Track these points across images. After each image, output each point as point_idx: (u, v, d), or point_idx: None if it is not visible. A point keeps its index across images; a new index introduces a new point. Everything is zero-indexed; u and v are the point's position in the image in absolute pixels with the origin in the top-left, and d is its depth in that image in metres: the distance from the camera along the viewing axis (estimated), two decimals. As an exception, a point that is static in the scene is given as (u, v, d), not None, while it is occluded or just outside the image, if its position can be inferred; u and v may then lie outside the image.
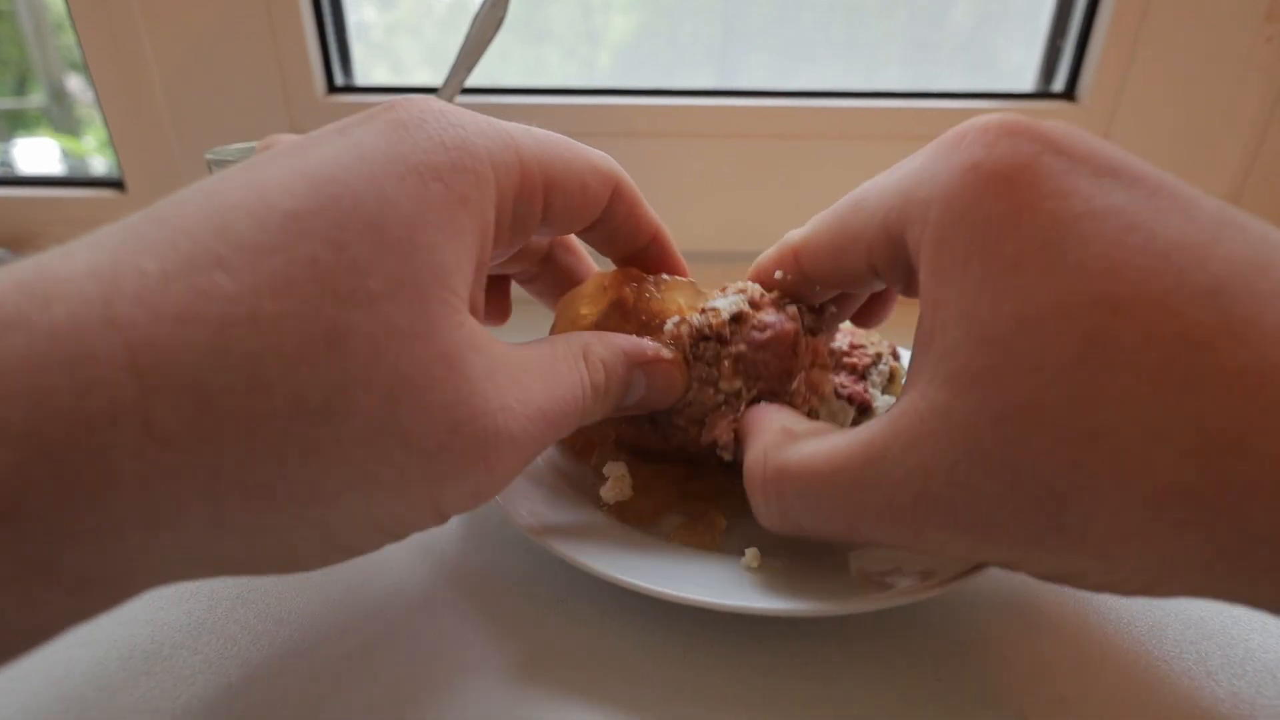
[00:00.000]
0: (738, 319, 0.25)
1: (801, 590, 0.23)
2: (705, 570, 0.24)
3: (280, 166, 0.16)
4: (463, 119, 0.18)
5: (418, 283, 0.16)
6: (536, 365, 0.20)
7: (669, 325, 0.25)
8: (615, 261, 0.28)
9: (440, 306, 0.16)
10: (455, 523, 0.30)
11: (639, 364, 0.23)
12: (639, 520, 0.27)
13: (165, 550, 0.14)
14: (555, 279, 0.30)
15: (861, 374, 0.33)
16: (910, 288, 0.22)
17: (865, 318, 0.29)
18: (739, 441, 0.24)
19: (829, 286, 0.25)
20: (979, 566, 0.23)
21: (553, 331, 0.28)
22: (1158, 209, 0.16)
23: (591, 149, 0.23)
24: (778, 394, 0.25)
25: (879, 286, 0.24)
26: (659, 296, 0.26)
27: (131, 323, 0.12)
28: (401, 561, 0.27)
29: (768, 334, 0.25)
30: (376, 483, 0.15)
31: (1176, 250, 0.15)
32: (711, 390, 0.25)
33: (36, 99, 0.69)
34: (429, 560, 0.28)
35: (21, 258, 0.13)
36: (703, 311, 0.25)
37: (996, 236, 0.16)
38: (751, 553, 0.25)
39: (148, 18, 0.50)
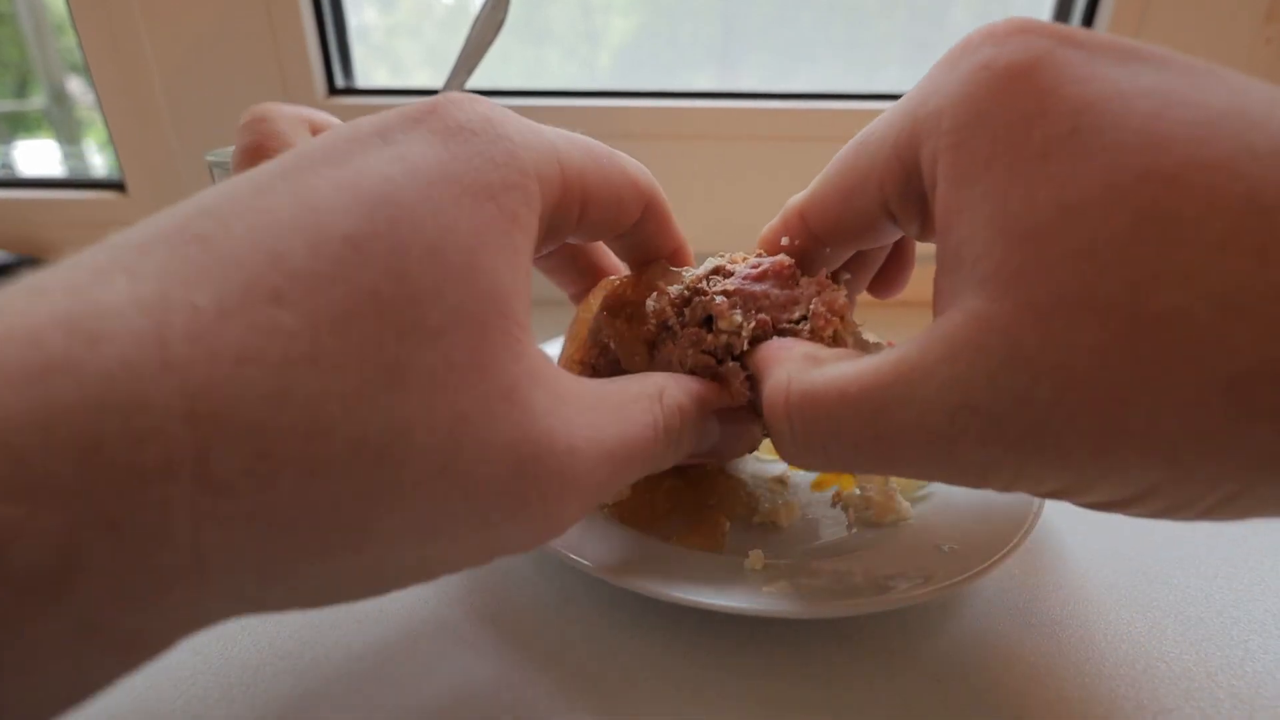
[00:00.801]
0: (716, 270, 0.24)
1: (802, 591, 0.23)
2: (707, 572, 0.24)
3: (327, 180, 0.15)
4: (508, 128, 0.18)
5: (478, 314, 0.15)
6: (607, 403, 0.19)
7: (649, 304, 0.24)
8: (630, 267, 0.27)
9: (501, 336, 0.15)
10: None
11: (714, 412, 0.22)
12: (639, 523, 0.27)
13: (211, 602, 0.13)
14: (574, 269, 0.28)
15: None
16: (927, 226, 0.20)
17: (882, 285, 0.27)
18: (755, 382, 0.22)
19: (841, 243, 0.24)
20: (979, 568, 0.23)
21: (572, 325, 0.28)
22: (1196, 83, 0.14)
23: (630, 160, 0.22)
24: (785, 329, 0.23)
25: (894, 234, 0.23)
26: (645, 280, 0.25)
27: (189, 364, 0.12)
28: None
29: (762, 266, 0.24)
30: (433, 529, 0.15)
31: (1228, 117, 0.14)
32: (710, 337, 0.23)
33: (37, 101, 0.69)
34: (429, 561, 0.28)
35: (28, 261, 0.12)
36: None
37: (1021, 128, 0.15)
38: (755, 554, 0.25)
39: (148, 20, 0.50)
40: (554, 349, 0.39)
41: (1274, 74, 0.53)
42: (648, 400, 0.20)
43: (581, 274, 0.28)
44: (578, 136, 0.20)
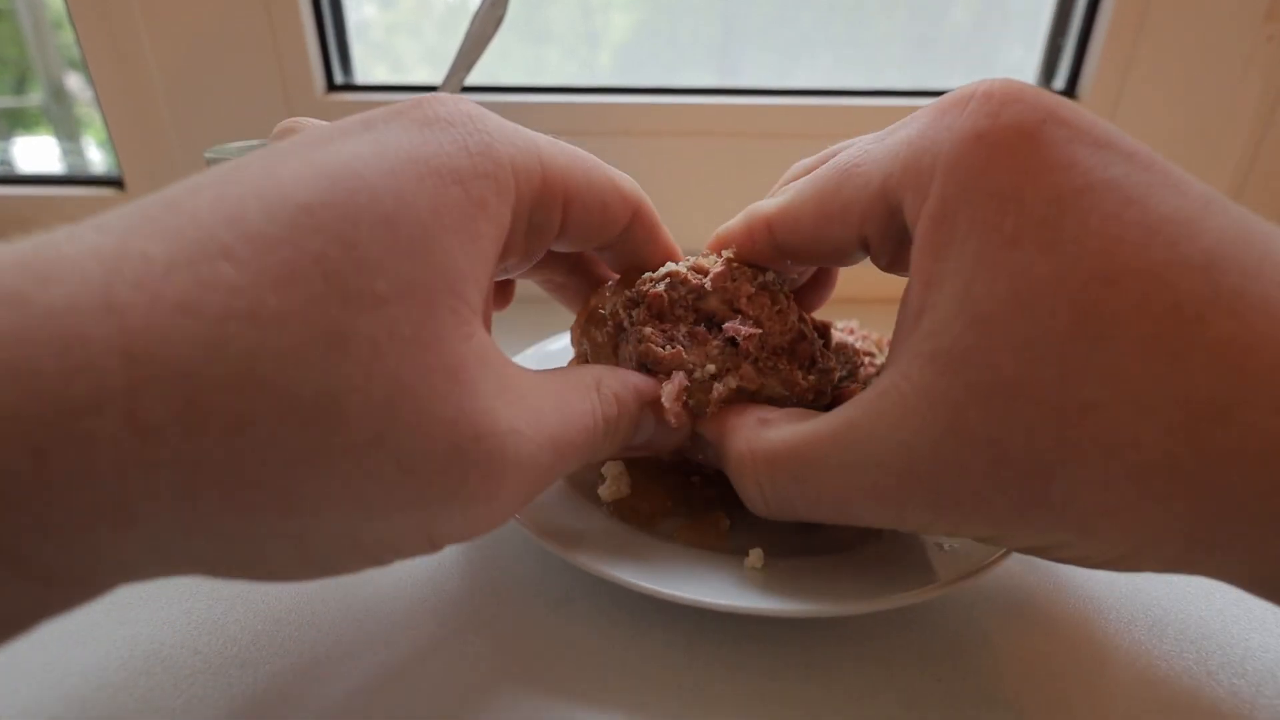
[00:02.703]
0: (671, 275, 0.25)
1: (803, 591, 0.23)
2: (707, 570, 0.24)
3: (300, 158, 0.15)
4: (489, 124, 0.18)
5: (427, 288, 0.15)
6: (549, 390, 0.19)
7: (605, 308, 0.25)
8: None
9: (449, 315, 0.16)
10: (455, 522, 0.30)
11: (650, 402, 0.23)
12: (639, 521, 0.27)
13: (134, 547, 0.13)
14: (583, 288, 0.29)
15: (864, 382, 0.33)
16: (896, 262, 0.21)
17: (806, 298, 0.28)
18: (718, 447, 0.24)
19: (805, 260, 0.24)
20: (979, 569, 0.23)
21: (573, 327, 0.28)
22: (1152, 183, 0.16)
23: (617, 171, 0.23)
24: (707, 311, 0.24)
25: (859, 259, 0.23)
26: (619, 288, 0.26)
27: (129, 308, 0.12)
28: (401, 562, 0.27)
29: (715, 269, 0.25)
30: (362, 501, 0.15)
31: (1170, 223, 0.15)
32: (679, 327, 0.24)
33: (36, 98, 0.69)
34: (429, 560, 0.28)
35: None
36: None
37: (997, 212, 0.16)
38: (755, 553, 0.25)
39: (147, 16, 0.50)
40: (557, 343, 0.39)
41: (1274, 73, 0.53)
42: (585, 389, 0.21)
43: (572, 289, 0.29)
44: (564, 143, 0.21)
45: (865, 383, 0.31)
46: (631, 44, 0.61)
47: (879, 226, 0.20)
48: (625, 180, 0.23)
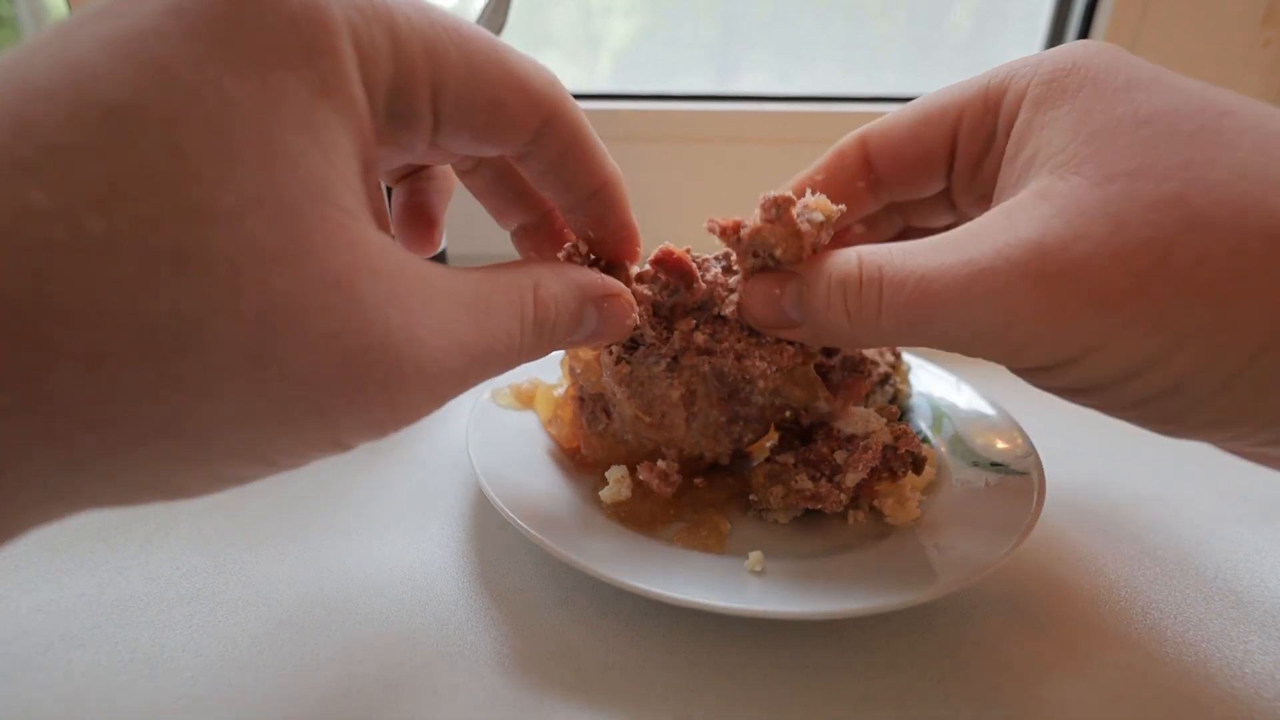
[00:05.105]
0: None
1: (802, 593, 0.23)
2: (707, 572, 0.24)
3: (91, 38, 0.13)
4: None
5: (284, 196, 0.14)
6: (466, 294, 0.18)
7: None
8: (561, 211, 0.24)
9: (320, 222, 0.14)
10: (455, 523, 0.30)
11: (591, 299, 0.22)
12: (640, 524, 0.27)
13: (21, 491, 0.13)
14: (504, 189, 0.25)
15: (869, 392, 0.33)
16: (974, 180, 0.24)
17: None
18: (819, 282, 0.22)
19: (889, 178, 0.25)
20: (979, 569, 0.23)
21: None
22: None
23: (531, 63, 0.20)
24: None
25: (936, 186, 0.25)
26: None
27: None
28: (401, 563, 0.28)
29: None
30: (254, 418, 0.14)
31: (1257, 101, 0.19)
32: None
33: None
34: (429, 561, 0.28)
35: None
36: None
37: (1109, 71, 0.19)
38: (755, 556, 0.25)
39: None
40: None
41: (1271, 76, 0.53)
42: (518, 290, 0.19)
43: (512, 201, 0.25)
44: (446, 14, 0.18)
45: (866, 374, 0.31)
46: (632, 49, 0.62)
47: (973, 122, 0.22)
48: (536, 75, 0.20)
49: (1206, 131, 0.17)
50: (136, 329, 0.12)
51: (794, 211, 0.22)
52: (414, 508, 0.31)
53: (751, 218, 0.23)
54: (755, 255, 0.24)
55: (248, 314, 0.13)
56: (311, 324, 0.14)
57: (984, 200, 0.24)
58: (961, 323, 0.19)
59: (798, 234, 0.22)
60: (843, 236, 0.28)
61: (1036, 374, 0.20)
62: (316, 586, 0.26)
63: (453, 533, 0.30)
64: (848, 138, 0.26)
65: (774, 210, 0.22)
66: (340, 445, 0.16)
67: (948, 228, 0.21)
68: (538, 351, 0.20)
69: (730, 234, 0.23)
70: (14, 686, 0.22)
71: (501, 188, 0.25)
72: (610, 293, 0.22)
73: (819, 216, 0.22)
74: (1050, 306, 0.18)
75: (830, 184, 0.26)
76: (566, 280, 0.21)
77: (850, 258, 0.21)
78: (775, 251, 0.23)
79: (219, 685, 0.22)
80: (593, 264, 0.24)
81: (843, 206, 0.23)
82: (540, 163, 0.21)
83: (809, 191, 0.23)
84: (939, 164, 0.24)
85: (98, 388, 0.12)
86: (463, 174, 0.25)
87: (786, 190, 0.23)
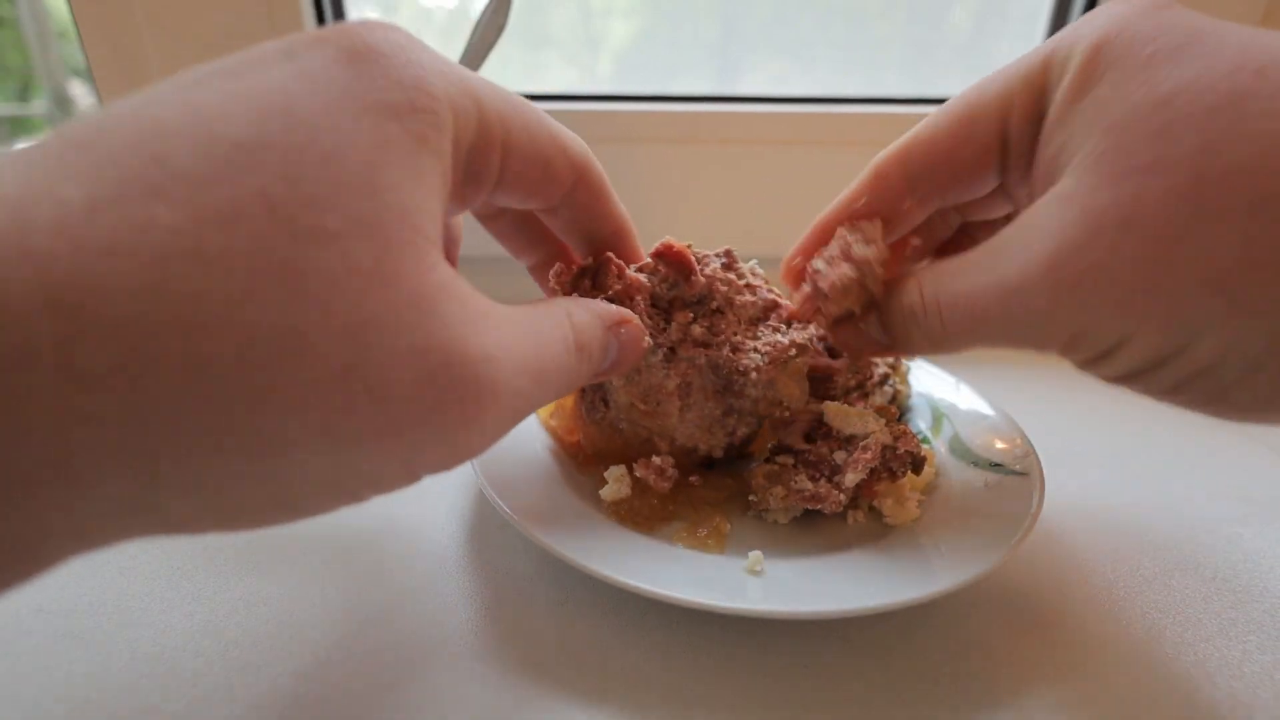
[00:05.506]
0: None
1: (802, 592, 0.23)
2: (707, 572, 0.24)
3: (219, 90, 0.14)
4: (420, 56, 0.17)
5: (381, 223, 0.15)
6: (521, 320, 0.19)
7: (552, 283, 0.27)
8: (580, 252, 0.27)
9: (407, 248, 0.15)
10: (455, 524, 0.30)
11: (608, 326, 0.23)
12: (640, 523, 0.27)
13: (90, 510, 0.13)
14: (525, 233, 0.28)
15: (868, 392, 0.33)
16: (1022, 176, 0.23)
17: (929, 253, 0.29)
18: (897, 310, 0.24)
19: (940, 187, 0.25)
20: (979, 569, 0.23)
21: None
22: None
23: (564, 129, 0.22)
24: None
25: (990, 184, 0.24)
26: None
27: (50, 255, 0.11)
28: (402, 563, 0.28)
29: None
30: (338, 434, 0.14)
31: None
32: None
33: (39, 106, 0.70)
34: (429, 561, 0.28)
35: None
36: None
37: (1137, 46, 0.19)
38: (754, 555, 0.25)
39: (151, 24, 0.51)
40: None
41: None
42: (558, 318, 0.21)
43: (533, 242, 0.28)
44: (504, 88, 0.20)
45: (869, 392, 0.32)
46: (632, 51, 0.62)
47: (1024, 106, 0.22)
48: (571, 139, 0.22)
49: (1231, 102, 0.16)
50: (239, 339, 0.13)
51: (866, 281, 0.24)
52: (414, 507, 0.31)
53: (822, 265, 0.25)
54: (839, 318, 0.26)
55: (340, 329, 0.14)
56: (398, 339, 0.15)
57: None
58: (1011, 336, 0.20)
59: (866, 288, 0.24)
60: (900, 248, 0.28)
61: (1088, 365, 0.21)
62: (316, 588, 0.26)
63: (453, 532, 0.30)
64: (884, 156, 0.25)
65: (849, 290, 0.24)
66: (411, 474, 0.17)
67: (1008, 218, 0.22)
68: (580, 378, 0.22)
69: (809, 307, 0.26)
70: (14, 686, 0.22)
71: (521, 231, 0.27)
72: (624, 319, 0.24)
73: (880, 271, 0.24)
74: (1076, 312, 0.18)
75: (875, 208, 0.25)
76: (589, 310, 0.23)
77: (913, 292, 0.23)
78: (855, 309, 0.25)
79: (219, 685, 0.22)
80: (585, 272, 0.27)
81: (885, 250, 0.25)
82: (570, 212, 0.24)
83: (858, 242, 0.25)
84: (989, 164, 0.23)
85: (193, 399, 0.13)
86: (485, 219, 0.27)
87: (851, 247, 0.25)
